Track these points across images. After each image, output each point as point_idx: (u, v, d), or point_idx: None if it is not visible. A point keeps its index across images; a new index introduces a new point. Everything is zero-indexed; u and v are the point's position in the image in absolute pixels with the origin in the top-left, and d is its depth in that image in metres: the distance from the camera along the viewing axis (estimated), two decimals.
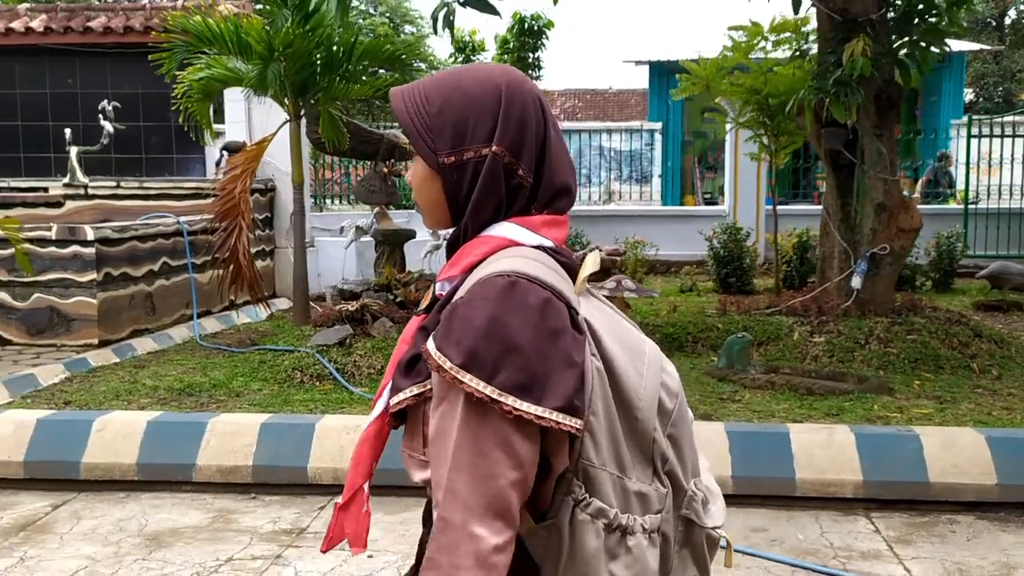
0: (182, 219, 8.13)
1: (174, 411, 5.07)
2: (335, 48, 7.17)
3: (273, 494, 4.33)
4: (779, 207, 12.77)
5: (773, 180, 10.77)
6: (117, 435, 4.49)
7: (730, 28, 9.53)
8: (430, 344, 1.07)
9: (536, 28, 11.00)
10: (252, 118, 10.52)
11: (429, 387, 1.10)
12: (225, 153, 10.10)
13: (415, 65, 7.49)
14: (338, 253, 10.39)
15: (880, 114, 6.21)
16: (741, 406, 5.05)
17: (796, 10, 6.78)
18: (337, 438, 4.37)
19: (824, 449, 4.07)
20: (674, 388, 1.20)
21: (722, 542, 1.23)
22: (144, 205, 9.00)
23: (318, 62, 7.22)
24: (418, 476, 1.15)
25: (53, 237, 6.76)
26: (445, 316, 1.08)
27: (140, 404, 5.26)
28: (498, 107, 1.15)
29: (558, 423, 1.03)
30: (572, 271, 1.18)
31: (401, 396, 1.13)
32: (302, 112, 7.59)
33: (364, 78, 7.56)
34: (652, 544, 1.12)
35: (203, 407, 5.22)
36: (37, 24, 10.20)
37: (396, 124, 11.40)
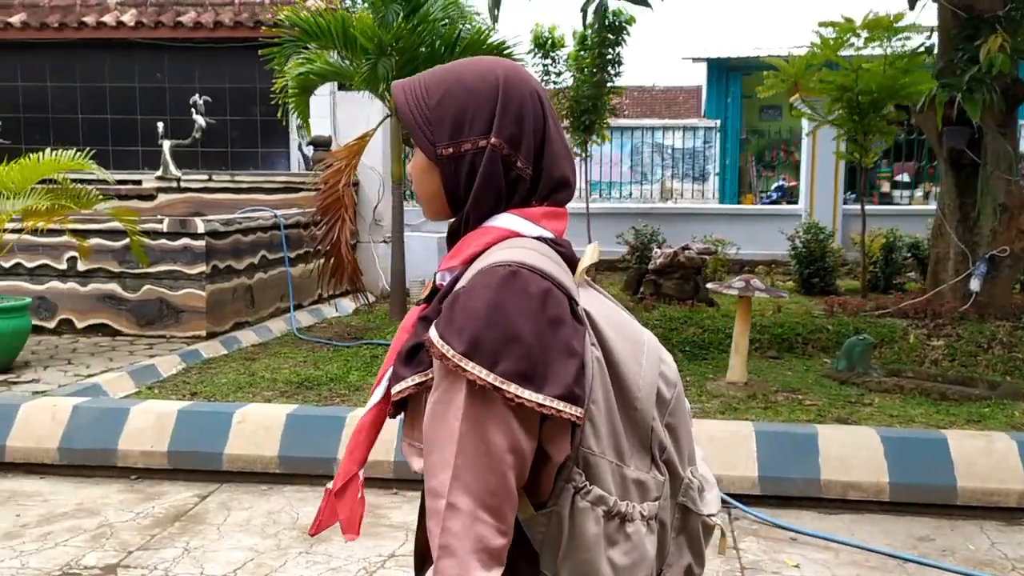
0: (278, 213, 8.20)
1: (298, 404, 5.10)
2: (437, 43, 7.16)
3: (415, 490, 4.33)
4: (844, 207, 12.62)
5: (862, 180, 10.58)
6: (258, 427, 4.52)
7: (820, 24, 9.39)
8: (432, 332, 1.07)
9: (618, 24, 10.87)
10: (337, 114, 10.59)
11: (431, 376, 1.10)
12: (311, 148, 10.17)
13: (515, 58, 7.43)
14: (421, 248, 10.42)
15: (1007, 112, 6.06)
16: (874, 410, 4.95)
17: (912, 6, 6.63)
18: None
19: (985, 457, 3.96)
20: (672, 378, 1.21)
21: (718, 530, 1.25)
22: (235, 199, 9.09)
23: (420, 57, 7.22)
24: (417, 465, 1.15)
25: (164, 229, 6.84)
26: (447, 305, 1.09)
27: (264, 397, 5.30)
28: (496, 100, 1.16)
29: (559, 411, 1.04)
30: (572, 262, 1.20)
31: (403, 385, 1.13)
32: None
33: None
34: (650, 531, 1.14)
35: (325, 400, 5.24)
36: (128, 18, 10.34)
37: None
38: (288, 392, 5.44)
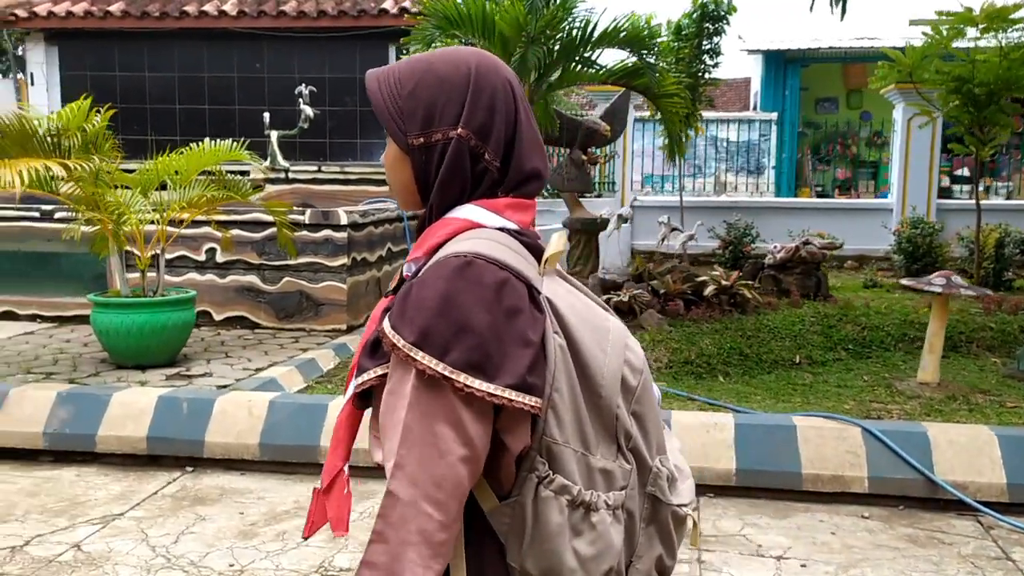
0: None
1: None
2: (574, 31, 7.01)
3: None
4: (939, 200, 12.35)
5: (977, 172, 10.33)
6: None
7: (938, 13, 9.17)
8: (385, 323, 1.07)
9: (719, 14, 10.66)
10: None
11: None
12: None
13: (654, 48, 7.27)
14: None
15: None
16: None
17: None
18: (696, 436, 4.22)
19: None
20: (638, 365, 1.19)
21: (689, 521, 1.23)
22: (344, 190, 9.00)
23: (557, 46, 7.08)
24: (378, 457, 1.13)
25: (307, 221, 6.75)
26: (400, 296, 1.08)
27: None
28: (467, 90, 1.15)
29: (511, 400, 1.03)
30: (538, 252, 1.18)
31: (364, 376, 1.13)
32: (536, 99, 7.45)
33: (599, 63, 7.38)
34: (616, 520, 1.12)
35: None
36: (230, 7, 10.26)
37: (578, 111, 11.06)
38: None
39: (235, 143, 5.96)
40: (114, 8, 10.45)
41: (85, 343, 6.35)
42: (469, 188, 1.16)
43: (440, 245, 1.14)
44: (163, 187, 5.88)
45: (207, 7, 10.33)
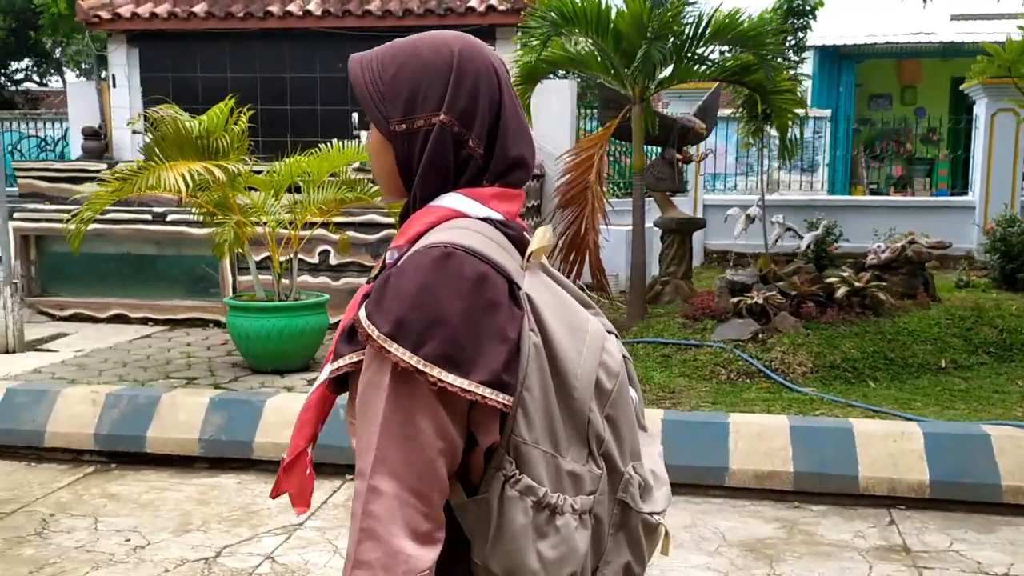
0: None
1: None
2: (687, 28, 6.87)
3: (816, 503, 4.05)
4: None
5: None
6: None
7: None
8: (361, 312, 1.05)
9: (805, 9, 10.45)
10: (531, 102, 10.35)
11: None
12: None
13: (769, 44, 7.10)
14: (615, 240, 10.15)
15: None
16: None
17: None
18: (882, 445, 4.06)
19: None
20: (614, 369, 1.16)
21: (661, 529, 1.19)
22: None
23: (670, 43, 6.93)
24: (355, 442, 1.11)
25: None
26: (378, 285, 1.06)
27: None
28: (449, 75, 1.12)
29: (484, 397, 1.01)
30: (522, 245, 1.15)
31: (340, 362, 1.11)
32: (645, 97, 7.32)
33: (711, 59, 7.23)
34: (582, 525, 1.10)
35: (653, 403, 5.01)
36: (314, 7, 10.19)
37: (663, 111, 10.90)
38: None
39: (358, 144, 5.87)
40: (197, 9, 10.42)
41: (207, 346, 6.31)
42: (453, 176, 1.13)
43: (422, 234, 1.11)
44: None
45: (291, 7, 10.27)
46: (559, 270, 7.54)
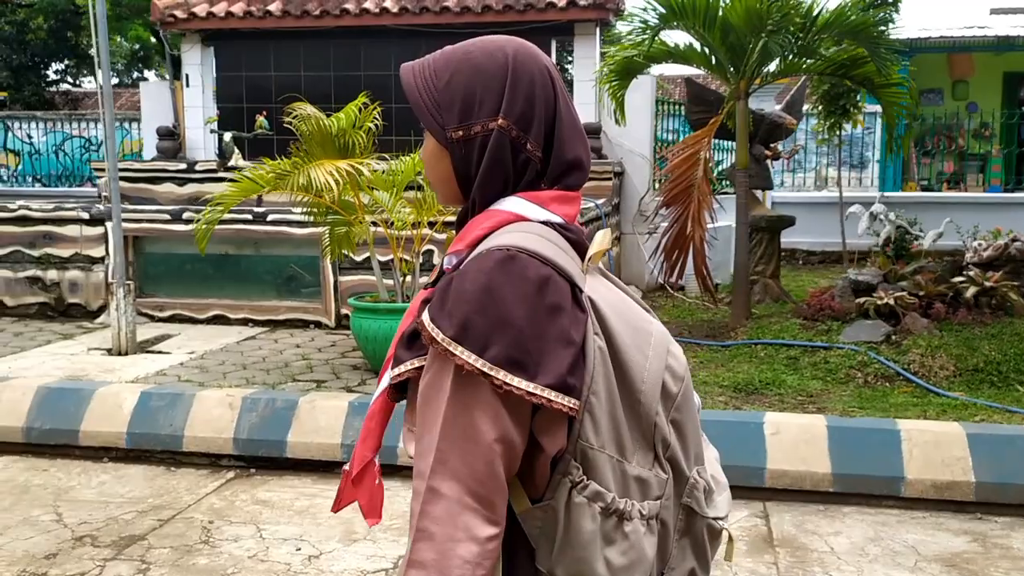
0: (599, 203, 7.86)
1: (760, 410, 4.73)
2: (796, 19, 6.68)
3: (999, 514, 3.88)
4: None
5: None
6: (797, 440, 4.13)
7: None
8: (425, 315, 1.05)
9: (888, 1, 10.20)
10: (603, 98, 10.21)
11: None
12: None
13: (882, 37, 6.90)
14: None
15: None
16: None
17: None
18: None
19: None
20: (680, 372, 1.16)
21: (725, 535, 1.19)
22: None
23: (781, 36, 6.75)
24: (412, 449, 1.10)
25: None
26: (440, 288, 1.06)
27: (718, 401, 4.94)
28: (505, 79, 1.12)
29: (550, 400, 1.01)
30: (581, 248, 1.15)
31: (401, 368, 1.10)
32: (751, 90, 7.15)
33: (821, 53, 7.04)
34: (650, 531, 1.10)
35: (777, 406, 4.85)
36: (391, 4, 10.10)
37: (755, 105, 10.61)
38: (738, 398, 5.07)
39: None
40: (273, 7, 10.37)
41: (318, 348, 6.23)
42: (512, 180, 1.13)
43: (482, 238, 1.10)
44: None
45: (367, 4, 10.19)
46: (661, 269, 7.40)
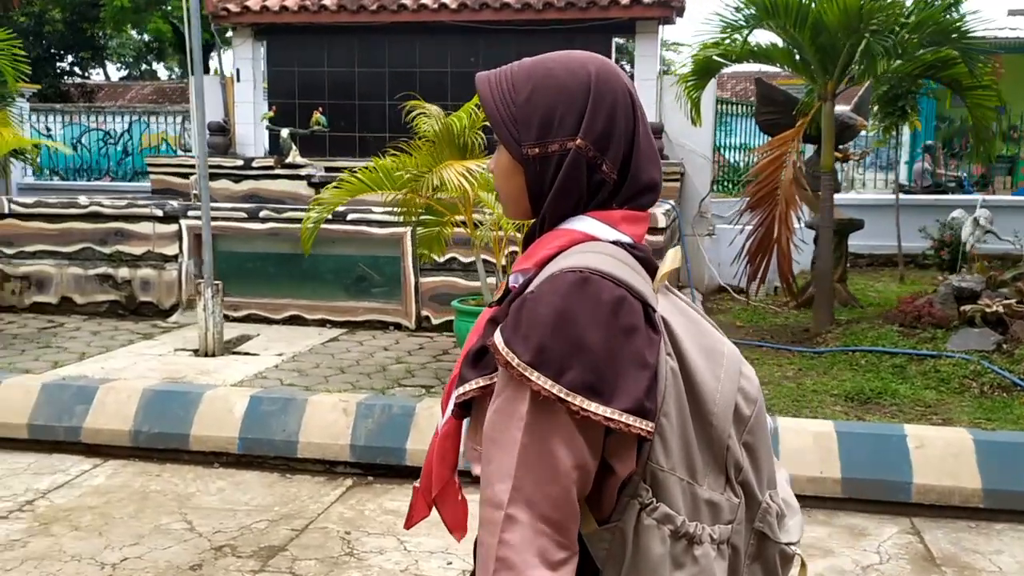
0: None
1: (880, 421, 4.62)
2: (900, 18, 6.55)
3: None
4: None
5: None
6: (945, 455, 4.01)
7: None
8: (498, 338, 1.04)
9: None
10: (663, 97, 10.09)
11: (495, 379, 1.06)
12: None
13: (974, 38, 6.77)
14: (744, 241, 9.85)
15: None
16: None
17: None
18: None
19: None
20: (752, 394, 1.14)
21: (797, 560, 1.18)
22: None
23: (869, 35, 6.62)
24: (479, 469, 1.09)
25: None
26: (514, 310, 1.04)
27: (829, 412, 4.82)
28: (587, 99, 1.10)
29: (628, 425, 0.99)
30: (651, 267, 1.14)
31: (466, 387, 1.10)
32: (839, 91, 7.02)
33: (908, 53, 6.91)
34: (720, 556, 1.08)
35: (898, 417, 4.74)
36: (450, 0, 9.98)
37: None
38: (854, 408, 4.95)
39: None
40: (328, 1, 10.25)
41: (407, 351, 6.11)
42: (584, 200, 1.11)
43: (551, 257, 1.09)
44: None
45: (425, 0, 10.07)
46: (745, 272, 7.28)
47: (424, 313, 6.82)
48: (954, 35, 6.75)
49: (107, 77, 30.15)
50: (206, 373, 5.39)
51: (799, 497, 3.58)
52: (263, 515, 3.95)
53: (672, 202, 7.86)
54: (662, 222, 6.41)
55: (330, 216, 6.94)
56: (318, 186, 9.30)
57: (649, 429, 1.01)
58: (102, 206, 7.25)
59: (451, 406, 1.17)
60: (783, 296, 8.53)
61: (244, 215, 7.05)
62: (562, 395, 0.99)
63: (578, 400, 0.99)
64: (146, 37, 26.30)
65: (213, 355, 5.84)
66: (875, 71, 6.96)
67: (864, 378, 5.44)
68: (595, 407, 0.99)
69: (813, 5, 6.49)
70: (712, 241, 9.96)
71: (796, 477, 4.02)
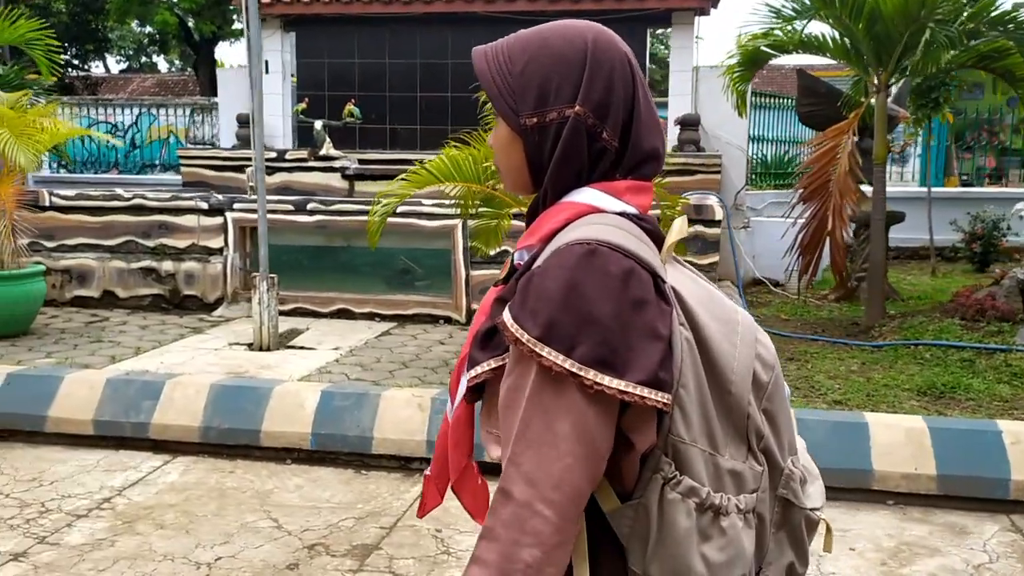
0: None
1: (961, 416, 4.55)
2: (968, 9, 6.47)
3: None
4: None
5: None
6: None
7: None
8: (506, 315, 1.01)
9: None
10: (699, 89, 10.00)
11: (507, 360, 1.03)
12: (677, 128, 9.60)
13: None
14: (779, 232, 9.77)
15: None
16: None
17: None
18: None
19: None
20: (769, 360, 1.12)
21: (822, 525, 1.17)
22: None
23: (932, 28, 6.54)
24: (495, 453, 1.08)
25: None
26: (521, 286, 1.01)
27: (904, 406, 4.75)
28: (584, 66, 1.07)
29: (643, 397, 0.96)
30: (658, 239, 1.11)
31: (478, 369, 1.07)
32: (891, 83, 6.94)
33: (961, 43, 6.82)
34: (747, 525, 1.06)
35: (978, 412, 4.67)
36: None
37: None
38: (929, 403, 4.88)
39: None
40: None
41: (461, 344, 6.04)
42: (587, 170, 1.09)
43: (556, 231, 1.06)
44: None
45: None
46: (796, 264, 7.20)
47: (475, 307, 6.75)
48: (1011, 24, 6.67)
49: (107, 69, 30.00)
50: (267, 368, 5.31)
51: (893, 494, 3.50)
52: (348, 512, 3.88)
53: (717, 195, 7.77)
54: (719, 214, 6.33)
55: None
56: (352, 178, 9.23)
57: (666, 401, 0.98)
58: (146, 199, 7.16)
59: (461, 390, 1.15)
60: (819, 289, 8.46)
61: (291, 207, 6.96)
62: (574, 369, 0.96)
63: (591, 374, 0.96)
64: (147, 29, 26.14)
65: (268, 349, 5.76)
66: (937, 62, 6.87)
67: (932, 372, 5.37)
68: (608, 380, 0.96)
69: None
70: (747, 234, 9.88)
71: (890, 474, 3.95)
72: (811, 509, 1.15)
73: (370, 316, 6.86)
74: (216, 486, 4.18)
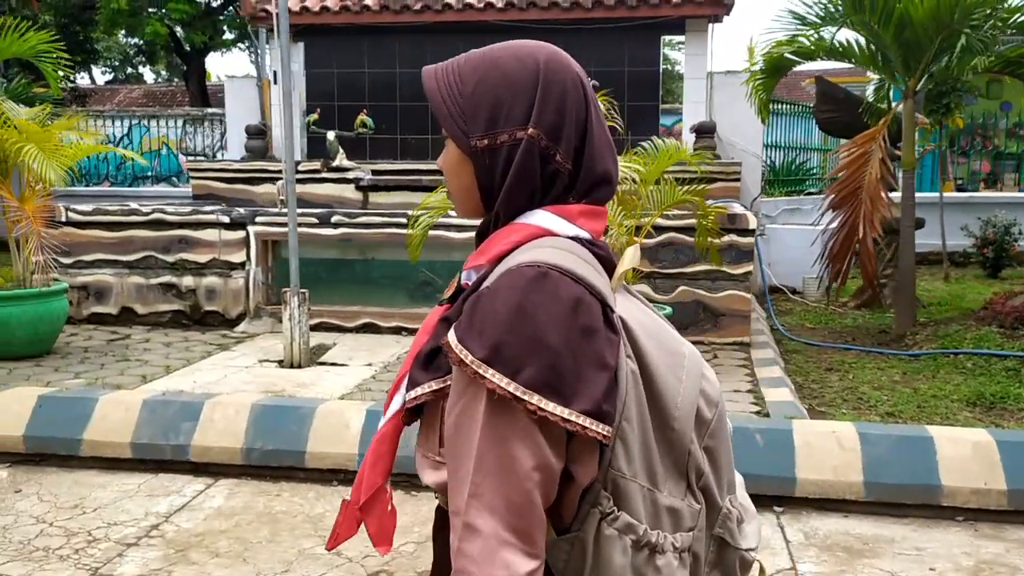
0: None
1: (1015, 428, 4.48)
2: (1004, 14, 6.44)
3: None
4: None
5: None
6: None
7: None
8: (451, 336, 0.98)
9: None
10: (713, 97, 9.95)
11: (449, 382, 1.01)
12: (692, 135, 9.55)
13: None
14: (795, 241, 9.73)
15: None
16: None
17: None
18: None
19: None
20: (714, 397, 1.11)
21: (756, 567, 1.16)
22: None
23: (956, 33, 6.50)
24: (430, 478, 1.08)
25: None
26: (468, 307, 0.99)
27: (960, 418, 4.68)
28: (536, 88, 1.06)
29: (585, 428, 0.95)
30: (609, 265, 1.10)
31: (418, 391, 1.05)
32: (918, 89, 6.90)
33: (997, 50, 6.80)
34: (682, 564, 1.04)
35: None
36: None
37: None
38: (980, 414, 4.81)
39: (678, 143, 5.48)
40: (370, 1, 10.06)
41: None
42: (540, 193, 1.07)
43: (507, 252, 1.04)
44: None
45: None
46: (825, 273, 7.14)
47: None
48: None
49: (92, 81, 29.74)
50: (303, 386, 5.19)
51: (961, 510, 3.41)
52: (406, 536, 3.76)
53: (740, 203, 7.70)
54: (752, 222, 6.26)
55: (406, 220, 6.78)
56: (366, 189, 9.12)
57: (606, 433, 0.96)
58: (165, 213, 7.03)
59: (393, 407, 1.12)
60: (838, 296, 8.41)
61: (316, 220, 6.85)
62: (518, 393, 0.93)
63: (535, 399, 0.93)
64: (134, 40, 25.90)
65: (300, 366, 5.64)
66: (970, 68, 6.84)
67: (978, 382, 5.31)
68: (552, 407, 0.94)
69: (899, 3, 6.36)
70: (763, 241, 9.83)
71: (959, 489, 3.87)
72: (746, 549, 1.14)
73: (396, 330, 6.75)
74: (265, 510, 4.06)
